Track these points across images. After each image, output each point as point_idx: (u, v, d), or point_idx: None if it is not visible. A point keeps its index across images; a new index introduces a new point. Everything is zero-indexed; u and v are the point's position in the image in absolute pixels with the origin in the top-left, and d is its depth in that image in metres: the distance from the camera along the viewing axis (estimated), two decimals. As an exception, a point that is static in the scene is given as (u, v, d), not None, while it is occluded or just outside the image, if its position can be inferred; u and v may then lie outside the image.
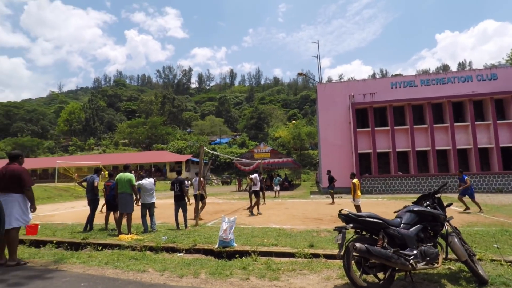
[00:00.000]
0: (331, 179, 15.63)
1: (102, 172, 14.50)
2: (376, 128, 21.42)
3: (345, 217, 3.84)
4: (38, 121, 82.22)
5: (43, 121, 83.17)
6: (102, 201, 9.45)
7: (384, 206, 12.66)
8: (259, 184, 11.64)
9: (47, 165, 46.66)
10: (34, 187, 5.45)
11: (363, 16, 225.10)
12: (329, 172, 16.33)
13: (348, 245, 3.67)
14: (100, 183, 8.72)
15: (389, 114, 21.29)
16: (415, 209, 4.03)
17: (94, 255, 5.75)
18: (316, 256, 5.21)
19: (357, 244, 3.54)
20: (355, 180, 9.90)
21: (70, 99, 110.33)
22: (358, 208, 9.76)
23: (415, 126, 20.96)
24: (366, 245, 3.52)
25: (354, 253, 3.63)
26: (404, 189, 20.19)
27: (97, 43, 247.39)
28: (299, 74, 40.07)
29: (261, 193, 12.48)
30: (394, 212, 4.41)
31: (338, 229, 3.77)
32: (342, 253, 3.68)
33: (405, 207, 4.28)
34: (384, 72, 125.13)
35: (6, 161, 5.37)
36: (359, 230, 3.89)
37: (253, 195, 11.52)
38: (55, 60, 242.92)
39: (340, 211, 3.98)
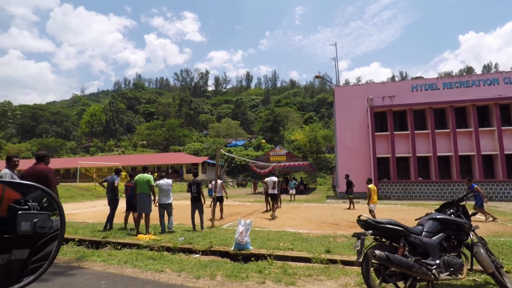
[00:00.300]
0: (350, 184, 15.31)
1: (121, 173, 14.87)
2: (395, 132, 20.92)
3: (364, 223, 3.76)
4: (61, 123, 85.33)
5: (66, 123, 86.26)
6: (122, 201, 9.68)
7: (404, 213, 12.32)
8: (271, 186, 11.48)
9: (69, 165, 48.28)
10: (57, 186, 5.66)
11: (382, 18, 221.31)
12: (347, 176, 16.04)
13: (367, 252, 3.59)
14: (120, 184, 8.94)
15: (409, 117, 20.75)
16: (438, 217, 3.90)
17: (114, 254, 5.89)
18: (333, 262, 5.13)
19: (377, 252, 3.45)
20: (371, 186, 9.90)
21: (92, 101, 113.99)
22: (372, 214, 9.66)
23: (436, 131, 20.31)
24: (386, 252, 3.44)
25: (373, 261, 3.55)
26: (425, 195, 19.58)
27: (118, 47, 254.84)
28: (316, 77, 39.76)
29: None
30: (416, 220, 4.29)
31: (357, 235, 3.70)
32: (360, 260, 3.60)
33: (427, 214, 4.14)
34: (404, 74, 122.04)
35: (32, 160, 5.60)
36: (378, 237, 3.80)
37: (269, 198, 11.48)
38: (78, 64, 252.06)
39: (358, 216, 3.91)
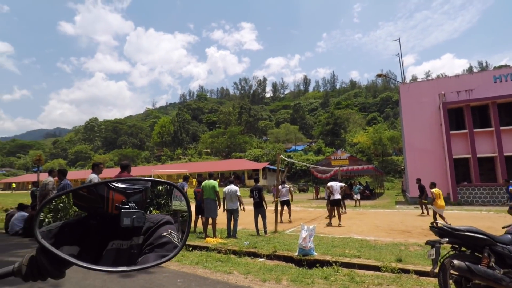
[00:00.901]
0: (422, 188, 13.99)
1: (190, 180, 15.99)
2: (475, 130, 18.60)
3: (439, 230, 3.48)
4: (137, 135, 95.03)
5: (141, 135, 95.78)
6: (192, 206, 10.38)
7: (490, 221, 10.89)
8: (337, 192, 10.83)
9: (144, 173, 53.45)
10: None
11: (454, 4, 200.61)
12: (418, 180, 14.77)
13: (444, 261, 3.31)
14: (189, 190, 9.65)
15: (493, 112, 18.28)
16: (532, 225, 3.42)
17: (186, 255, 6.37)
18: (406, 271, 4.81)
19: (455, 261, 3.16)
20: (435, 190, 9.76)
21: (162, 114, 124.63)
22: (442, 218, 9.39)
23: (528, 126, 17.55)
24: (466, 263, 3.12)
25: (451, 271, 3.25)
26: (517, 200, 16.95)
27: (183, 62, 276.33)
28: (378, 76, 37.46)
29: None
30: (503, 227, 3.81)
31: (431, 243, 3.43)
32: (436, 270, 3.33)
33: (517, 222, 3.66)
34: (484, 64, 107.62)
35: (114, 170, 6.41)
36: (456, 246, 3.47)
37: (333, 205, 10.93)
38: (149, 81, 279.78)
39: (432, 223, 3.63)
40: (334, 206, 10.66)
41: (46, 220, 1.02)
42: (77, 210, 1.05)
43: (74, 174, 48.63)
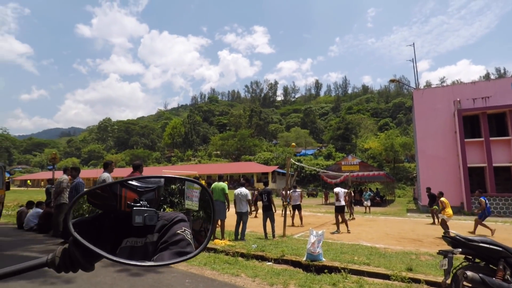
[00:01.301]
0: (433, 197, 13.68)
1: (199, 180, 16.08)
2: (491, 138, 18.13)
3: (452, 240, 3.41)
4: (148, 136, 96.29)
5: (152, 135, 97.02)
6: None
7: (506, 232, 10.60)
8: (341, 198, 10.49)
9: (155, 174, 54.08)
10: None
11: (471, 9, 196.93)
12: (428, 189, 14.48)
13: (456, 272, 3.24)
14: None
15: (510, 121, 17.81)
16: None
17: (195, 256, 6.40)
18: (416, 281, 4.71)
19: (469, 273, 3.09)
20: (443, 199, 9.99)
21: (173, 115, 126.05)
22: (445, 224, 9.49)
23: (547, 135, 17.02)
24: (480, 275, 3.05)
25: (464, 283, 3.18)
26: (534, 212, 16.42)
27: (195, 65, 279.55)
28: (391, 81, 36.93)
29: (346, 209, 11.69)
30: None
31: (443, 253, 3.37)
32: (448, 281, 3.26)
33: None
34: (502, 71, 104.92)
35: (125, 169, 6.51)
36: (470, 257, 3.39)
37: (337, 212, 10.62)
38: (162, 83, 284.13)
39: (444, 232, 3.56)
40: (338, 213, 10.36)
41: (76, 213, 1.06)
42: (91, 207, 1.07)
43: (86, 173, 49.55)
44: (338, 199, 10.45)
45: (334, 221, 12.20)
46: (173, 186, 1.25)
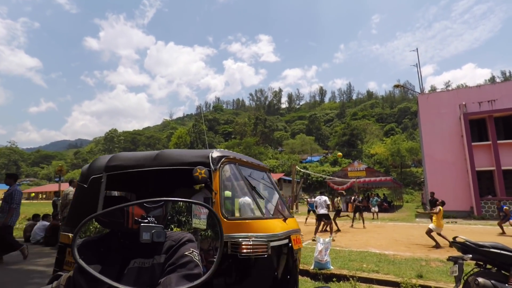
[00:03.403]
0: (434, 203, 13.33)
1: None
2: (499, 141, 17.90)
3: (462, 246, 3.34)
4: (154, 145, 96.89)
5: (158, 145, 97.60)
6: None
7: (518, 236, 10.33)
8: (322, 207, 10.40)
9: (161, 183, 54.30)
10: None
11: (474, 13, 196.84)
12: (432, 194, 14.26)
13: (467, 279, 3.16)
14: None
15: (517, 123, 17.61)
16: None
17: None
18: (427, 288, 4.61)
19: (480, 279, 3.01)
20: (440, 207, 8.99)
21: (179, 125, 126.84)
22: (430, 233, 8.59)
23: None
24: (492, 281, 2.97)
25: (476, 290, 3.10)
26: (547, 216, 16.02)
27: (201, 74, 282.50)
28: (395, 86, 36.78)
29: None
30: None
31: (453, 259, 3.30)
32: (459, 287, 3.19)
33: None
34: (508, 74, 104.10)
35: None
36: (481, 263, 3.31)
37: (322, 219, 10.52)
38: (168, 93, 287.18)
39: (454, 238, 3.49)
40: (320, 220, 10.40)
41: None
42: (99, 226, 1.05)
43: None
44: (317, 207, 10.59)
45: (335, 229, 11.99)
46: (180, 204, 1.24)
